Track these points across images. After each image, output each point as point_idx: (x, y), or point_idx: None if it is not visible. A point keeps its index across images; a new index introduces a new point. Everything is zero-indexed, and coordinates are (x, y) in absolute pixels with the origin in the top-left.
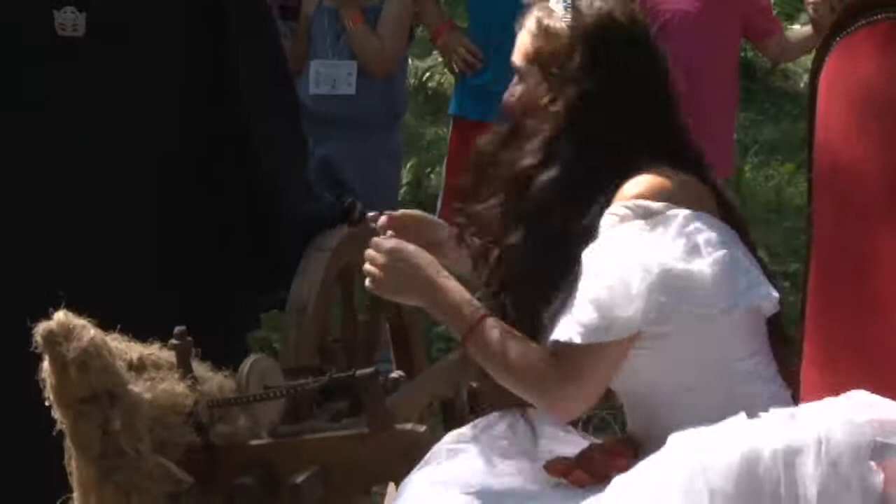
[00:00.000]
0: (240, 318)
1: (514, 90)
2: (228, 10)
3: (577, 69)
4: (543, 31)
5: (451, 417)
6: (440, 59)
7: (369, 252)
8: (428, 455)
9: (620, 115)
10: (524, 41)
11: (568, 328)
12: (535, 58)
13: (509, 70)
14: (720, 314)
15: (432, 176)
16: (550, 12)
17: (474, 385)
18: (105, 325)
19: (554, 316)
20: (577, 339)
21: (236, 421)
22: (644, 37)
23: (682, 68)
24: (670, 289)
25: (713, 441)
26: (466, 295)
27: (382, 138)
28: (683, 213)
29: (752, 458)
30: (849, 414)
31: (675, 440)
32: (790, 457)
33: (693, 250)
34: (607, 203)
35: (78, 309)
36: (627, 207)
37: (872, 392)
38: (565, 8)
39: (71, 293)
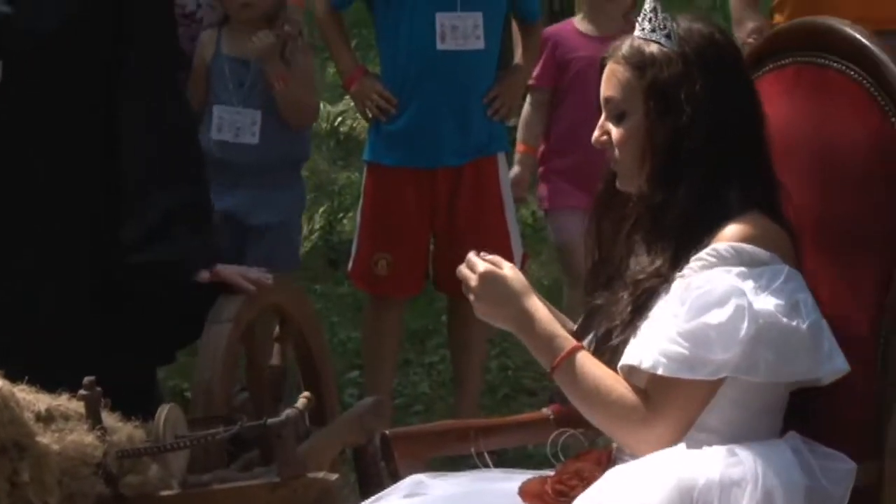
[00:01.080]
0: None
1: (608, 127)
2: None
3: (697, 89)
4: (644, 65)
5: (362, 465)
6: (352, 104)
7: (464, 271)
8: None
9: (735, 144)
10: (624, 74)
11: (651, 357)
12: (648, 88)
13: (424, 116)
14: (799, 378)
15: (345, 221)
16: (647, 42)
17: (387, 432)
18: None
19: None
20: (662, 371)
21: (147, 471)
22: (741, 59)
23: (588, 110)
24: (771, 342)
25: (651, 467)
26: (557, 325)
27: (286, 184)
28: (787, 268)
29: (688, 486)
30: (786, 454)
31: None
32: (726, 488)
33: (794, 309)
34: (706, 236)
35: None
36: (734, 250)
37: None
38: (667, 36)
39: None
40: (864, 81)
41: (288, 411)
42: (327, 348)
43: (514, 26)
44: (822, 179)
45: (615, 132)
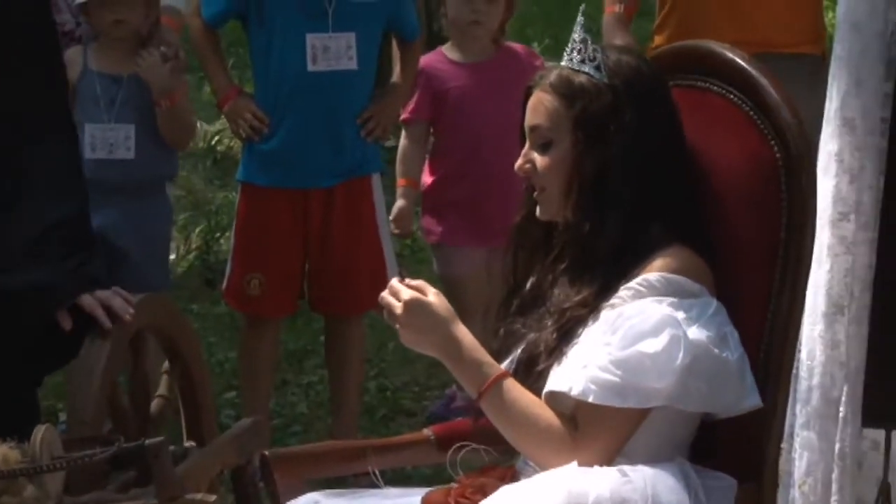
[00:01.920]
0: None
1: (532, 156)
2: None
3: (626, 121)
4: (573, 95)
5: (240, 486)
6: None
7: (388, 299)
8: None
9: (662, 176)
10: (552, 104)
11: (581, 384)
12: (577, 119)
13: (296, 136)
14: (726, 409)
15: (221, 241)
16: (576, 73)
17: (267, 453)
18: None
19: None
20: (593, 398)
21: (23, 492)
22: (668, 91)
23: (470, 141)
24: (704, 373)
25: (543, 483)
26: (483, 352)
27: (157, 201)
28: (715, 301)
29: (578, 502)
30: (674, 476)
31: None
32: None
33: (724, 341)
34: (634, 267)
35: None
36: (665, 280)
37: None
38: (596, 68)
39: None
40: (744, 105)
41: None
42: (206, 369)
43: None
44: (703, 202)
45: (540, 161)
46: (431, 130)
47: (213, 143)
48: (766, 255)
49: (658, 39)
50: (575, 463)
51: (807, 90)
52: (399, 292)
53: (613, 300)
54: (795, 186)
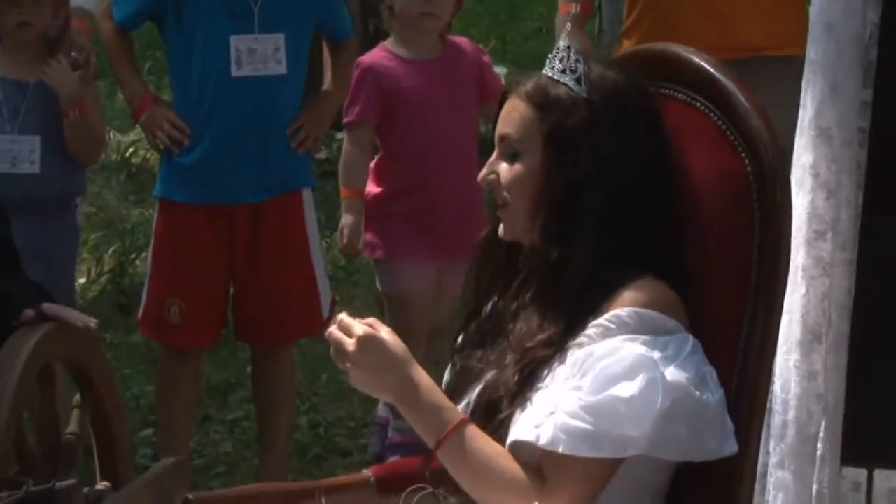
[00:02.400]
0: None
1: (498, 166)
2: None
3: (602, 142)
4: (548, 106)
5: None
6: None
7: (338, 335)
8: None
9: (636, 206)
10: (525, 113)
11: (549, 433)
12: (549, 133)
13: (219, 148)
14: (708, 456)
15: (137, 262)
16: (555, 83)
17: (190, 497)
18: None
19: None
20: (563, 448)
21: None
22: (657, 114)
23: (423, 145)
24: (684, 418)
25: None
26: (442, 396)
27: (64, 220)
28: (692, 338)
29: None
30: None
31: None
32: None
33: (703, 382)
34: (603, 301)
35: None
36: (637, 316)
37: None
38: (577, 80)
39: None
40: (711, 114)
41: None
42: (121, 404)
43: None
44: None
45: (505, 172)
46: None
47: (128, 155)
48: (737, 279)
49: (627, 44)
50: None
51: (796, 96)
52: (351, 328)
53: (581, 338)
54: (768, 202)
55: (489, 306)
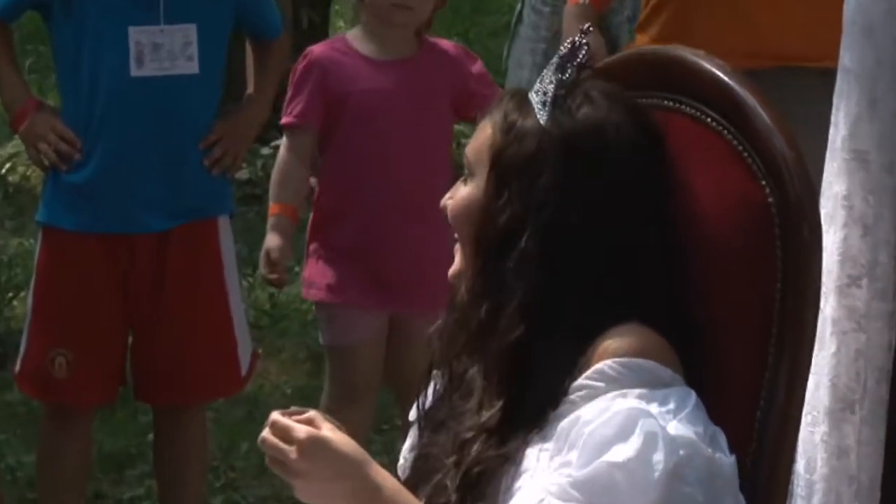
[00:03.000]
0: None
1: (458, 191)
2: None
3: (543, 190)
4: (507, 129)
5: None
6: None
7: (273, 441)
8: None
9: (594, 246)
10: (486, 132)
11: None
12: (495, 159)
13: (116, 164)
14: None
15: (15, 303)
16: (523, 106)
17: None
18: None
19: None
20: None
21: None
22: (645, 166)
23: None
24: (697, 478)
25: None
26: (411, 497)
27: None
28: (694, 393)
29: None
30: None
31: None
32: None
33: (714, 440)
34: (580, 358)
35: None
36: (623, 367)
37: None
38: (542, 104)
39: None
40: (725, 131)
41: None
42: None
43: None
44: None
45: (457, 193)
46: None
47: (4, 172)
48: (754, 333)
49: (641, 39)
50: None
51: (829, 115)
52: (289, 430)
53: (563, 407)
54: (793, 240)
55: (462, 379)
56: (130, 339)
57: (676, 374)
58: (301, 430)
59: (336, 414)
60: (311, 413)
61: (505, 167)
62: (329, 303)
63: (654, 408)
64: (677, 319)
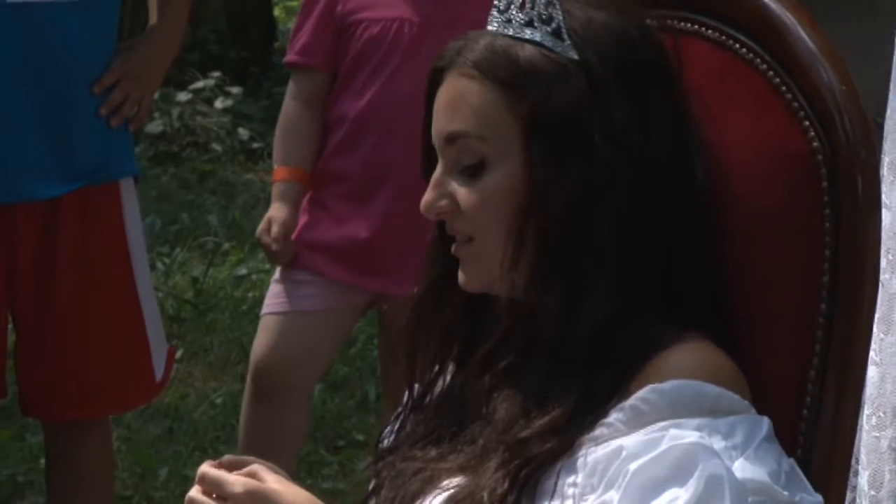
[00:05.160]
0: None
1: (451, 187)
2: None
3: (614, 123)
4: (533, 72)
5: None
6: None
7: (202, 500)
8: None
9: (670, 217)
10: (482, 97)
11: None
12: (531, 122)
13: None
14: None
15: None
16: (519, 43)
17: None
18: None
19: None
20: None
21: None
22: (672, 71)
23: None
24: None
25: None
26: None
27: None
28: (767, 422)
29: None
30: None
31: None
32: None
33: (790, 480)
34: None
35: None
36: (686, 390)
37: None
38: (554, 33)
39: None
40: (759, 61)
41: None
42: None
43: None
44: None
45: (466, 195)
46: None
47: None
48: (796, 313)
49: None
50: None
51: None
52: (223, 484)
53: (599, 429)
54: (846, 198)
55: (440, 384)
56: (12, 339)
57: (745, 401)
58: (237, 484)
59: (259, 423)
60: (253, 465)
61: (552, 126)
62: (300, 266)
63: (717, 442)
64: (711, 303)
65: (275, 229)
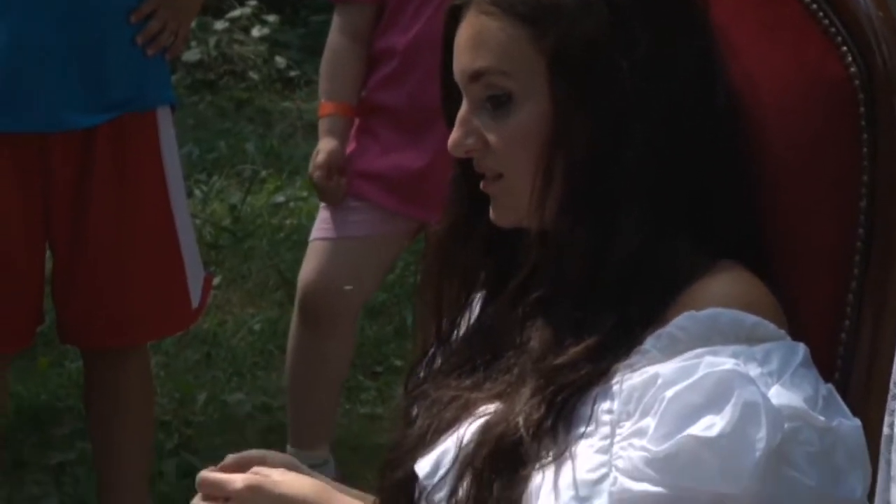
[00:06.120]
0: None
1: (475, 124)
2: None
3: (645, 62)
4: (556, 6)
5: None
6: None
7: None
8: None
9: (702, 148)
10: (504, 33)
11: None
12: (556, 56)
13: (20, 46)
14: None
15: None
16: None
17: None
18: None
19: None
20: None
21: None
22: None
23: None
24: (805, 457)
25: None
26: None
27: None
28: (803, 347)
29: None
30: None
31: None
32: None
33: (828, 404)
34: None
35: None
36: (721, 318)
37: None
38: None
39: None
40: None
41: None
42: None
43: None
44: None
45: (493, 132)
46: None
47: None
48: (835, 243)
49: None
50: None
51: None
52: (224, 484)
53: (634, 357)
54: (884, 126)
55: (468, 316)
56: (49, 267)
57: (781, 329)
58: (237, 480)
59: (305, 349)
60: (258, 452)
61: (578, 59)
62: (352, 194)
63: (752, 369)
64: (746, 233)
65: (320, 158)
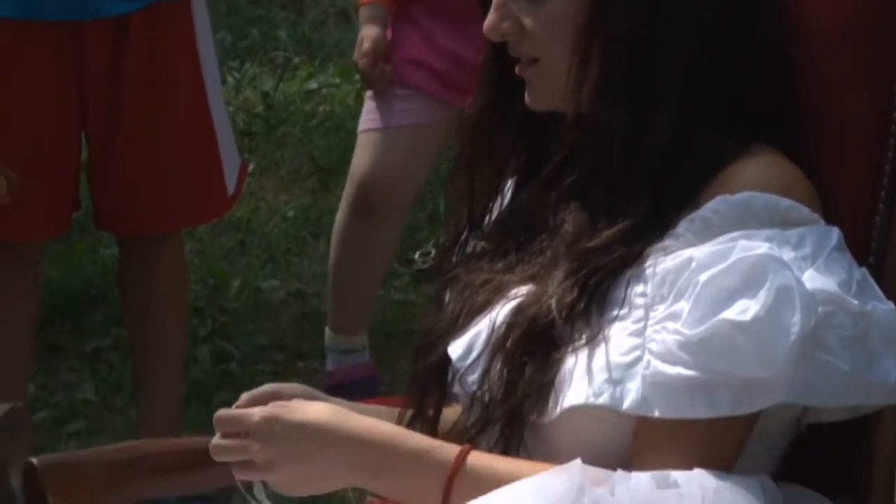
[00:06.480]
0: None
1: (512, 9)
2: None
3: None
4: None
5: None
6: None
7: (223, 446)
8: None
9: (740, 35)
10: None
11: (634, 390)
12: None
13: None
14: (880, 401)
15: None
16: None
17: (34, 461)
18: None
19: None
20: (660, 412)
21: None
22: None
23: None
24: (839, 340)
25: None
26: (413, 434)
27: None
28: (837, 231)
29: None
30: (753, 490)
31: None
32: None
33: (861, 288)
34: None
35: None
36: (755, 202)
37: None
38: None
39: None
40: None
41: None
42: None
43: None
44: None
45: (528, 15)
46: None
47: None
48: (870, 126)
49: None
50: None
51: None
52: (241, 419)
53: (668, 240)
54: None
55: (500, 202)
56: (85, 154)
57: (815, 213)
58: (254, 414)
59: (357, 239)
60: (270, 386)
61: None
62: (397, 81)
63: (786, 253)
64: (781, 118)
65: (366, 45)
